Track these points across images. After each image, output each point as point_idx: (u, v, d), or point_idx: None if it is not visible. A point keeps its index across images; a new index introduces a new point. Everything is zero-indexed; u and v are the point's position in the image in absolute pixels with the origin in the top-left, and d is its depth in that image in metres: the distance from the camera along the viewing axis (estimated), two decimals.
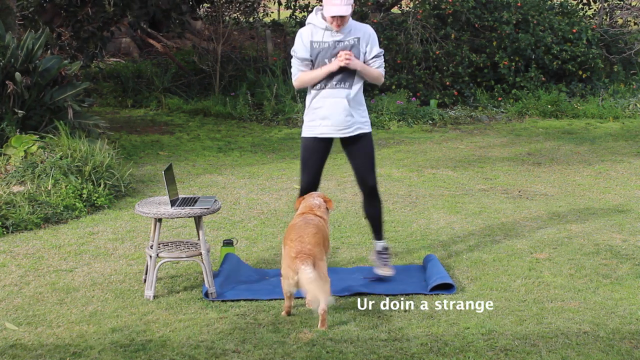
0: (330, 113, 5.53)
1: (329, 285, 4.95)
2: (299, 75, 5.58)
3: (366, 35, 5.56)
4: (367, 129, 5.65)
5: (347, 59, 5.39)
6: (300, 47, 5.54)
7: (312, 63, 5.53)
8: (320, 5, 5.58)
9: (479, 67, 13.62)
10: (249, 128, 11.96)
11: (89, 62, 12.94)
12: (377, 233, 5.87)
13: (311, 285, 4.76)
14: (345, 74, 5.50)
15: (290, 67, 5.70)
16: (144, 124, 12.17)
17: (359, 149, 5.65)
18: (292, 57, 5.65)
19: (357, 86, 5.57)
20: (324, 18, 5.49)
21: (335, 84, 5.50)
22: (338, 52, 5.45)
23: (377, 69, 5.60)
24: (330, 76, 5.50)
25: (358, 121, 5.59)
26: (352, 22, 5.54)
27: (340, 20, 5.41)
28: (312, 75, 5.52)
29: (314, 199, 5.43)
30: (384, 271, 5.74)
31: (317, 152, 5.65)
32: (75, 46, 12.52)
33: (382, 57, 5.62)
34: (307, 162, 5.67)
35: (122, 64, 15.27)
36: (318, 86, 5.54)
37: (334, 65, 5.44)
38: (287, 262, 4.96)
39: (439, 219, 7.31)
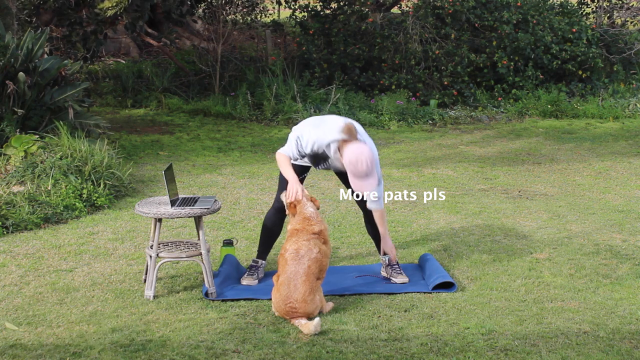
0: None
1: (323, 306, 5.09)
2: (284, 157, 5.46)
3: None
4: None
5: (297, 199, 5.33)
6: (298, 152, 5.46)
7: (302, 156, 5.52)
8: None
9: (479, 67, 13.62)
10: (249, 128, 11.95)
11: (82, 63, 12.94)
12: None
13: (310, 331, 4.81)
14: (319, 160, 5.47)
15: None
16: (144, 124, 12.17)
17: None
18: (296, 138, 5.47)
19: (335, 156, 5.44)
20: (339, 151, 5.33)
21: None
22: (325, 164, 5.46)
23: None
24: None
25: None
26: None
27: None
28: (284, 168, 5.43)
29: (307, 206, 5.29)
30: (401, 279, 5.70)
31: (296, 170, 5.55)
32: (68, 48, 12.54)
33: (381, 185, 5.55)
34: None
35: (122, 64, 15.26)
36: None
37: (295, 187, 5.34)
38: (278, 303, 5.01)
39: (439, 219, 7.31)
